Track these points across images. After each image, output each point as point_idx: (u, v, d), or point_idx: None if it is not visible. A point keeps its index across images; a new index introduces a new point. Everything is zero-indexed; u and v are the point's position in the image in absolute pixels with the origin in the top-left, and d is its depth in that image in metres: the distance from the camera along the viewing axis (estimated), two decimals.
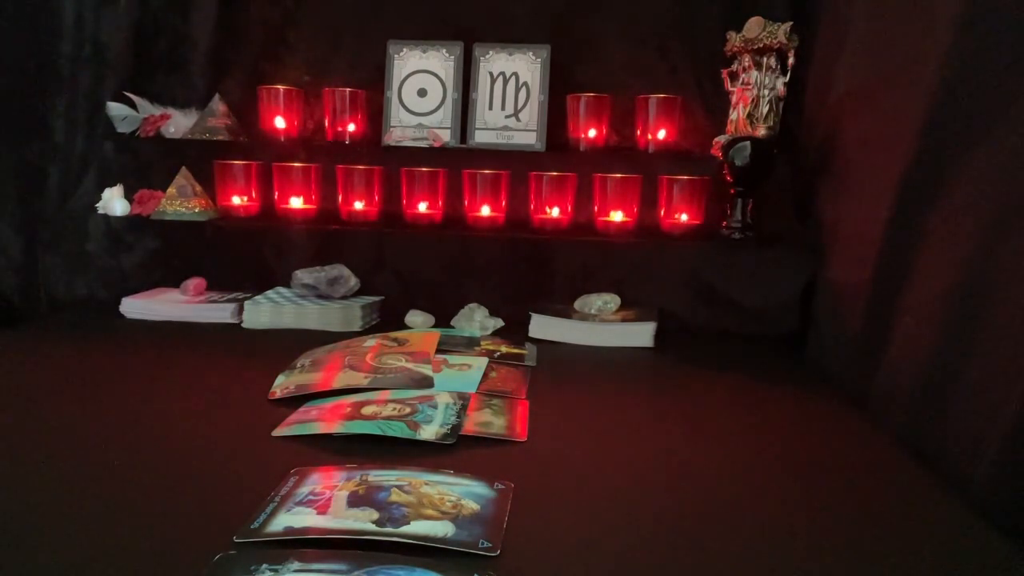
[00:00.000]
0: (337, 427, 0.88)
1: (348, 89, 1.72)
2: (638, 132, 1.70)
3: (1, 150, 1.63)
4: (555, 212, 1.57)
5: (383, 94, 1.74)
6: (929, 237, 1.00)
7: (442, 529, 0.65)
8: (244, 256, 1.55)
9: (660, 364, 1.27)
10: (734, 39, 1.58)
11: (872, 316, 1.13)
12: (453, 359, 1.17)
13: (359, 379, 1.04)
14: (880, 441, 0.94)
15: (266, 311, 1.39)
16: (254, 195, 1.64)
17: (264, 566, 0.58)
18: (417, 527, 0.65)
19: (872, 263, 1.13)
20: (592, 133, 1.68)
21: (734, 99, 1.61)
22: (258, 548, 0.62)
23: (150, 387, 1.05)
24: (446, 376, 1.09)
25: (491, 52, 1.73)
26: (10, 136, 1.64)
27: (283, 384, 1.05)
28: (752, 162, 1.44)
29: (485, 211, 1.57)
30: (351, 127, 1.73)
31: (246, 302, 1.40)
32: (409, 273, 1.53)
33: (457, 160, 1.62)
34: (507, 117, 1.72)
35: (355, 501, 0.69)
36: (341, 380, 1.04)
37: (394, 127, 1.74)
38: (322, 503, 0.69)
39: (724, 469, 0.84)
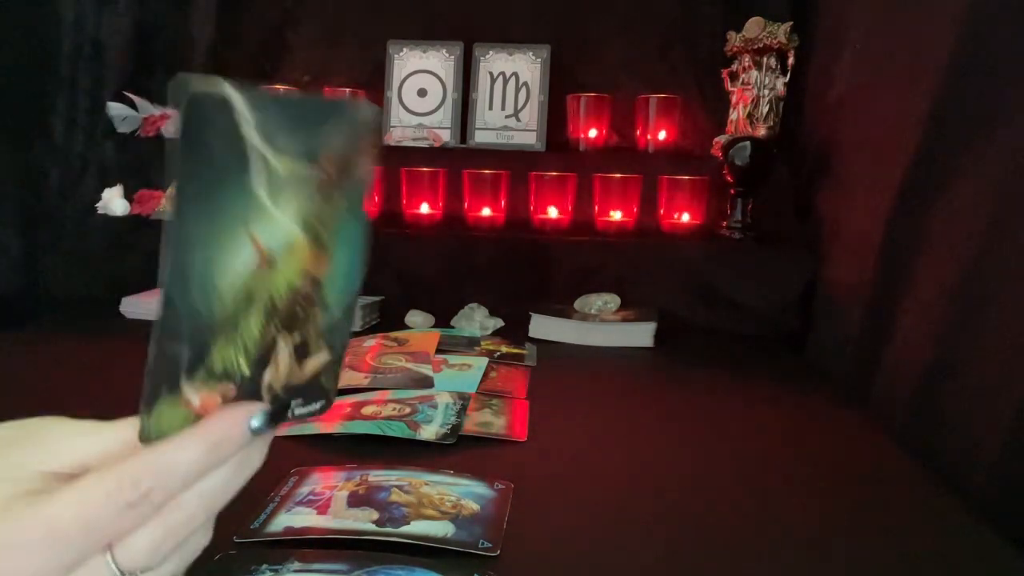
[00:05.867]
0: (337, 427, 0.88)
1: (348, 89, 1.72)
2: (638, 132, 1.70)
3: (1, 150, 1.63)
4: (555, 212, 1.57)
5: (383, 94, 1.74)
6: (929, 237, 1.00)
7: (442, 529, 0.65)
8: None
9: (660, 364, 1.27)
10: (734, 39, 1.58)
11: (872, 316, 1.13)
12: (453, 359, 1.17)
13: (359, 379, 1.04)
14: (880, 441, 0.94)
15: None
16: None
17: (264, 566, 0.58)
18: (417, 527, 0.65)
19: (872, 263, 1.13)
20: (592, 133, 1.68)
21: (734, 99, 1.61)
22: (258, 548, 0.62)
23: None
24: (446, 376, 1.09)
25: (491, 52, 1.73)
26: (10, 136, 1.64)
27: None
28: (752, 162, 1.44)
29: (485, 211, 1.57)
30: None
31: None
32: (409, 273, 1.52)
33: (457, 160, 1.62)
34: (507, 117, 1.72)
35: (355, 501, 0.69)
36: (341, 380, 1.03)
37: (394, 127, 1.74)
38: (322, 503, 0.69)
39: (723, 469, 0.84)
